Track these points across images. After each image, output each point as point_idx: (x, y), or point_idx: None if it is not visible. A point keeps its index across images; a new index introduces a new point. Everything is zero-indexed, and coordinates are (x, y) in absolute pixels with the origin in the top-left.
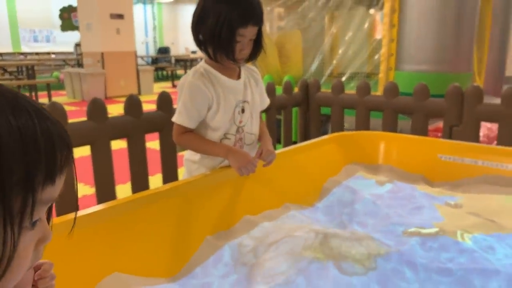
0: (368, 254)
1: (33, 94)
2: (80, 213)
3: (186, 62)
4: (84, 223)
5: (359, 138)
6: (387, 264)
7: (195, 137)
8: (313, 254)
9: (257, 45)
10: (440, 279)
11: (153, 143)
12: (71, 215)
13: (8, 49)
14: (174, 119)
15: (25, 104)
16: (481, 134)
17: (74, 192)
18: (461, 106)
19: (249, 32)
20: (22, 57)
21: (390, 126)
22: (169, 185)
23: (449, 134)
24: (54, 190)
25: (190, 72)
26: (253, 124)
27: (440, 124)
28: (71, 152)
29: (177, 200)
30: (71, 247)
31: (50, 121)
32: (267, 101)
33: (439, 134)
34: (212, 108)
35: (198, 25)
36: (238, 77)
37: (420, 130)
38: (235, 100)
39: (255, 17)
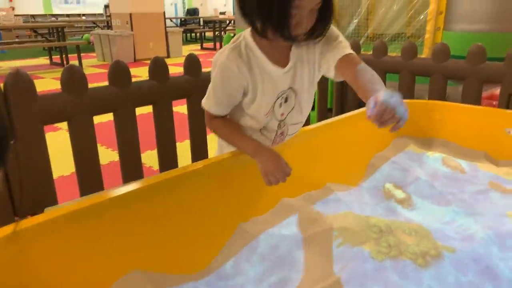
0: (431, 253)
1: (64, 56)
2: (92, 199)
3: (215, 24)
4: (98, 211)
5: (410, 108)
6: (455, 267)
7: (224, 125)
8: (367, 251)
9: (324, 15)
10: None
11: (181, 107)
12: (82, 202)
13: (40, 10)
14: (203, 103)
15: None
16: None
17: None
18: None
19: (308, 2)
20: (53, 18)
21: (439, 93)
22: (198, 164)
23: (506, 102)
24: None
25: (227, 46)
26: (301, 110)
27: (495, 91)
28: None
29: (206, 181)
30: (85, 240)
31: None
32: (343, 52)
33: (494, 103)
34: (248, 96)
35: None
36: (288, 58)
37: (473, 97)
38: (277, 92)
39: None
